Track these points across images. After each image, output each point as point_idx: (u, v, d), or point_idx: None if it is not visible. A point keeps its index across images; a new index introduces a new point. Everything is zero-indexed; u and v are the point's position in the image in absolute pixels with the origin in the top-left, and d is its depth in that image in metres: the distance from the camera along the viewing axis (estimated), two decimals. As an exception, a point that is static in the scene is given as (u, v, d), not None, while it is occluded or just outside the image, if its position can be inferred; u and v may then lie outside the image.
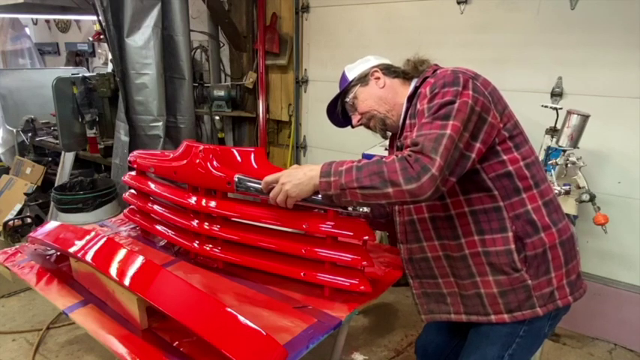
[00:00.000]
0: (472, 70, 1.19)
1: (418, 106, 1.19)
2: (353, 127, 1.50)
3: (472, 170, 1.15)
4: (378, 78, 1.39)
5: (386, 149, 1.56)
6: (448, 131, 1.06)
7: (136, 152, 1.79)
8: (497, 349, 1.27)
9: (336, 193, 1.13)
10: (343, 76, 1.46)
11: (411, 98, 1.29)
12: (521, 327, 1.24)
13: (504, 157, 1.18)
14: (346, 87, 1.44)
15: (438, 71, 1.24)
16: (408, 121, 1.27)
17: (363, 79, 1.41)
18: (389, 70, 1.40)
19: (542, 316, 1.22)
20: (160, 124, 3.25)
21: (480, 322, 1.27)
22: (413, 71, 1.36)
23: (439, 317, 1.34)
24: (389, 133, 1.47)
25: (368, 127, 1.45)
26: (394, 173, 1.05)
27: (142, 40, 3.09)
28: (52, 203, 3.37)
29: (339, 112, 1.51)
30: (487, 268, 1.22)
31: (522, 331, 1.25)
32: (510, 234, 1.19)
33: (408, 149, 1.08)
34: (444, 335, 1.58)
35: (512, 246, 1.19)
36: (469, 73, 1.17)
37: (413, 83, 1.34)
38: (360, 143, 2.73)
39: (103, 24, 3.02)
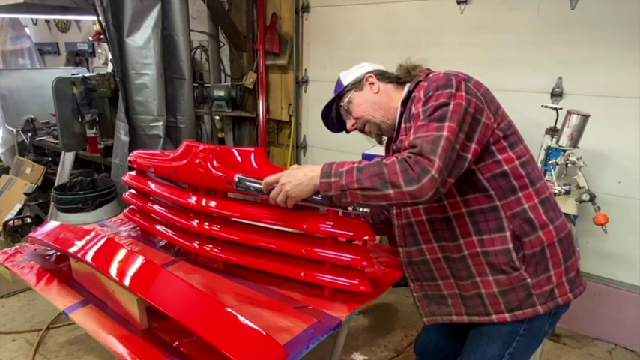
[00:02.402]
0: (464, 73, 1.21)
1: (413, 109, 1.20)
2: (347, 132, 1.50)
3: (468, 171, 1.15)
4: (373, 83, 1.40)
5: None
6: (445, 133, 1.06)
7: (136, 152, 1.79)
8: (498, 347, 1.27)
9: (336, 194, 1.13)
10: (338, 82, 1.47)
11: (405, 102, 1.30)
12: (521, 325, 1.25)
13: (499, 157, 1.19)
14: (341, 91, 1.45)
15: (431, 75, 1.25)
16: (403, 125, 1.28)
17: (358, 84, 1.42)
18: (383, 76, 1.41)
19: (542, 314, 1.23)
20: (160, 124, 3.25)
21: (482, 322, 1.27)
22: (406, 76, 1.38)
23: (441, 319, 1.35)
24: (384, 138, 1.48)
25: (362, 131, 1.46)
26: (395, 175, 1.06)
27: (142, 40, 3.09)
28: (52, 203, 3.37)
29: (334, 117, 1.52)
30: (486, 268, 1.22)
31: (522, 329, 1.25)
32: (508, 233, 1.19)
33: (407, 151, 1.09)
34: (443, 334, 1.58)
35: (511, 245, 1.19)
36: (461, 75, 1.18)
37: (406, 87, 1.35)
38: (360, 143, 2.73)
39: (103, 24, 3.02)
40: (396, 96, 1.37)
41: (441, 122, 1.08)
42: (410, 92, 1.29)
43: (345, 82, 1.44)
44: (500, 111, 1.21)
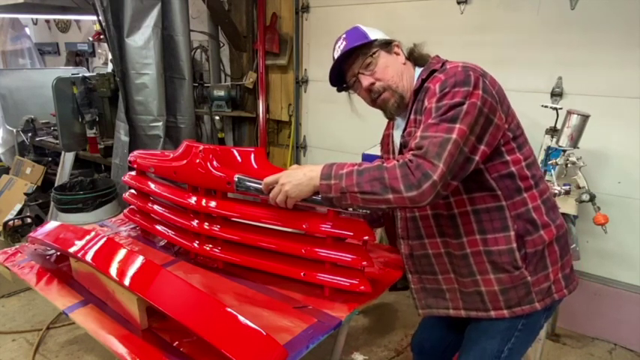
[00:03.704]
0: (480, 67, 1.17)
1: (426, 102, 1.15)
2: (342, 90, 1.36)
3: (476, 170, 1.14)
4: (399, 54, 1.30)
5: None
6: (454, 136, 1.05)
7: (136, 152, 1.79)
8: (497, 343, 1.28)
9: (336, 196, 1.13)
10: (358, 31, 1.29)
11: (416, 92, 1.25)
12: (519, 321, 1.26)
13: (508, 158, 1.19)
14: (368, 42, 1.27)
15: (447, 66, 1.19)
16: (412, 116, 1.23)
17: (387, 45, 1.28)
18: (403, 50, 1.33)
19: (539, 310, 1.24)
20: (160, 124, 3.25)
21: (480, 317, 1.28)
22: (419, 59, 1.31)
23: (437, 312, 1.35)
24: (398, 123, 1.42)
25: (376, 99, 1.30)
26: (395, 180, 1.05)
27: (142, 40, 3.09)
28: (52, 203, 3.37)
29: (344, 70, 1.32)
30: (488, 267, 1.22)
31: (521, 324, 1.27)
32: (512, 233, 1.20)
33: (411, 153, 1.08)
34: (439, 332, 1.58)
35: (514, 245, 1.20)
36: (478, 71, 1.15)
37: (416, 74, 1.29)
38: (360, 143, 2.73)
39: (103, 24, 3.02)
40: (413, 77, 1.30)
41: (452, 123, 1.06)
42: (423, 81, 1.22)
43: (372, 36, 1.28)
44: (510, 110, 1.20)
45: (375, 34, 1.30)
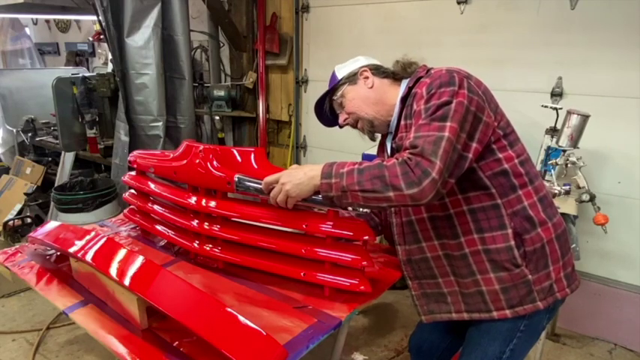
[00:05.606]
0: (464, 70, 1.20)
1: (414, 106, 1.19)
2: (340, 126, 1.50)
3: (469, 169, 1.15)
4: (367, 78, 1.39)
5: None
6: (446, 133, 1.07)
7: (136, 152, 1.79)
8: (499, 344, 1.28)
9: (337, 195, 1.13)
10: (333, 75, 1.46)
11: (404, 99, 1.29)
12: (521, 321, 1.26)
13: (500, 156, 1.19)
14: (335, 85, 1.43)
15: (432, 71, 1.24)
16: (402, 122, 1.27)
17: (352, 77, 1.40)
18: (378, 71, 1.40)
19: (542, 310, 1.24)
20: (160, 124, 3.25)
21: (482, 319, 1.28)
22: (402, 72, 1.37)
23: (440, 317, 1.35)
24: (377, 135, 1.47)
25: (355, 127, 1.45)
26: (395, 177, 1.06)
27: (142, 40, 3.09)
28: (52, 203, 3.37)
29: (327, 111, 1.51)
30: (488, 266, 1.23)
31: (523, 325, 1.26)
32: (509, 231, 1.20)
33: (408, 152, 1.09)
34: (437, 333, 1.58)
35: (512, 242, 1.20)
36: (463, 73, 1.18)
37: (404, 84, 1.34)
38: (360, 143, 2.73)
39: (103, 24, 3.02)
40: (391, 92, 1.36)
41: (442, 122, 1.08)
42: (410, 88, 1.27)
43: (340, 75, 1.43)
44: (499, 109, 1.22)
45: (344, 70, 1.43)
